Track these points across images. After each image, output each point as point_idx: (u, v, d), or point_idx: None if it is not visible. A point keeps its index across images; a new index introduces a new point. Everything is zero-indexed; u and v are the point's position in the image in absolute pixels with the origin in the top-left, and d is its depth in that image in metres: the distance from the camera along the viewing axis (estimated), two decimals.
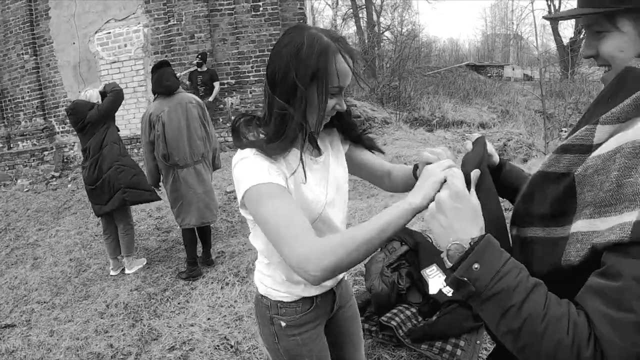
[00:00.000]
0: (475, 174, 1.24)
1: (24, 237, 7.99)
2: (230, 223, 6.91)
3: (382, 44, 26.02)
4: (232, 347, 3.88)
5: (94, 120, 5.45)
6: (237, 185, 1.55)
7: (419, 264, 3.72)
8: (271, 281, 1.84)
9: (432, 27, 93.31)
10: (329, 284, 1.90)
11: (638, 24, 1.10)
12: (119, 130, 5.88)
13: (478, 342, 3.11)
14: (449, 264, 1.10)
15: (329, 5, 33.11)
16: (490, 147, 1.54)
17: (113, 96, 5.53)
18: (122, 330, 4.55)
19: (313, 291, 1.85)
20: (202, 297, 4.87)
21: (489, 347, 3.11)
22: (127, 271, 5.82)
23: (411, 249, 3.84)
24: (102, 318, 4.86)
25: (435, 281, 3.45)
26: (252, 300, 4.50)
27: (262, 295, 1.90)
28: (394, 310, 3.46)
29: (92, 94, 5.60)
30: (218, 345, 3.96)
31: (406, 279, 3.69)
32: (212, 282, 5.07)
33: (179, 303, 4.88)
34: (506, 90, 21.60)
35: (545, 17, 1.32)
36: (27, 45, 12.09)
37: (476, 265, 1.03)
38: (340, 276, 2.01)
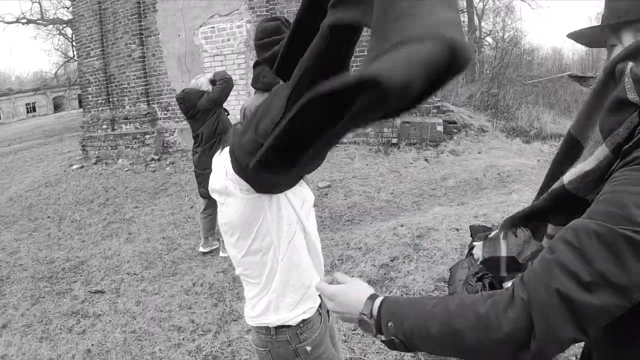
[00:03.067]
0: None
1: (120, 213, 8.42)
2: (320, 218, 6.96)
3: (482, 49, 25.39)
4: None
5: (204, 108, 5.61)
6: None
7: (501, 276, 3.62)
8: (287, 305, 1.83)
9: (535, 34, 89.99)
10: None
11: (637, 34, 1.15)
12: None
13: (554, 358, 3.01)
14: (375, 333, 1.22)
15: None
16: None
17: (223, 85, 5.61)
18: (204, 308, 4.69)
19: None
20: None
21: None
22: (200, 249, 6.13)
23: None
24: (187, 295, 5.03)
25: None
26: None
27: (277, 329, 1.84)
28: None
29: (202, 82, 5.76)
30: None
31: (488, 290, 3.60)
32: None
33: None
34: None
35: (569, 36, 1.35)
36: (135, 36, 12.76)
37: (390, 324, 1.17)
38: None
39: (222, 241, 5.97)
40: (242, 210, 1.71)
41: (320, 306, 1.94)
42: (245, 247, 1.78)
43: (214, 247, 6.18)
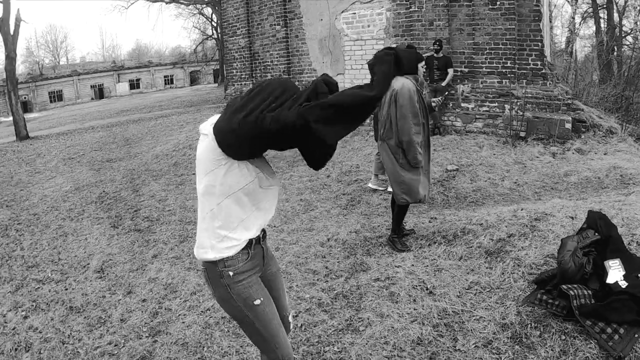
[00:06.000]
0: None
1: None
2: (446, 197, 7.56)
3: (622, 49, 24.05)
4: (427, 289, 4.40)
5: None
6: None
7: (604, 254, 3.99)
8: (222, 242, 2.34)
9: None
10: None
11: None
12: None
13: (637, 335, 3.26)
14: None
15: (568, 1, 31.12)
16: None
17: None
18: (337, 259, 5.37)
19: (249, 234, 2.38)
20: (410, 248, 5.44)
21: None
22: (369, 185, 7.78)
23: (602, 238, 4.11)
24: (321, 247, 5.74)
25: (615, 273, 3.75)
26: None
27: (210, 262, 2.37)
28: (574, 285, 3.78)
29: None
30: (416, 286, 4.50)
31: (592, 265, 3.99)
32: (420, 239, 5.63)
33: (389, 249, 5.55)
34: None
35: None
36: (279, 18, 13.83)
37: None
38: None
39: (376, 176, 7.45)
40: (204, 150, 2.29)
41: (250, 250, 2.43)
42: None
43: (381, 188, 7.46)
